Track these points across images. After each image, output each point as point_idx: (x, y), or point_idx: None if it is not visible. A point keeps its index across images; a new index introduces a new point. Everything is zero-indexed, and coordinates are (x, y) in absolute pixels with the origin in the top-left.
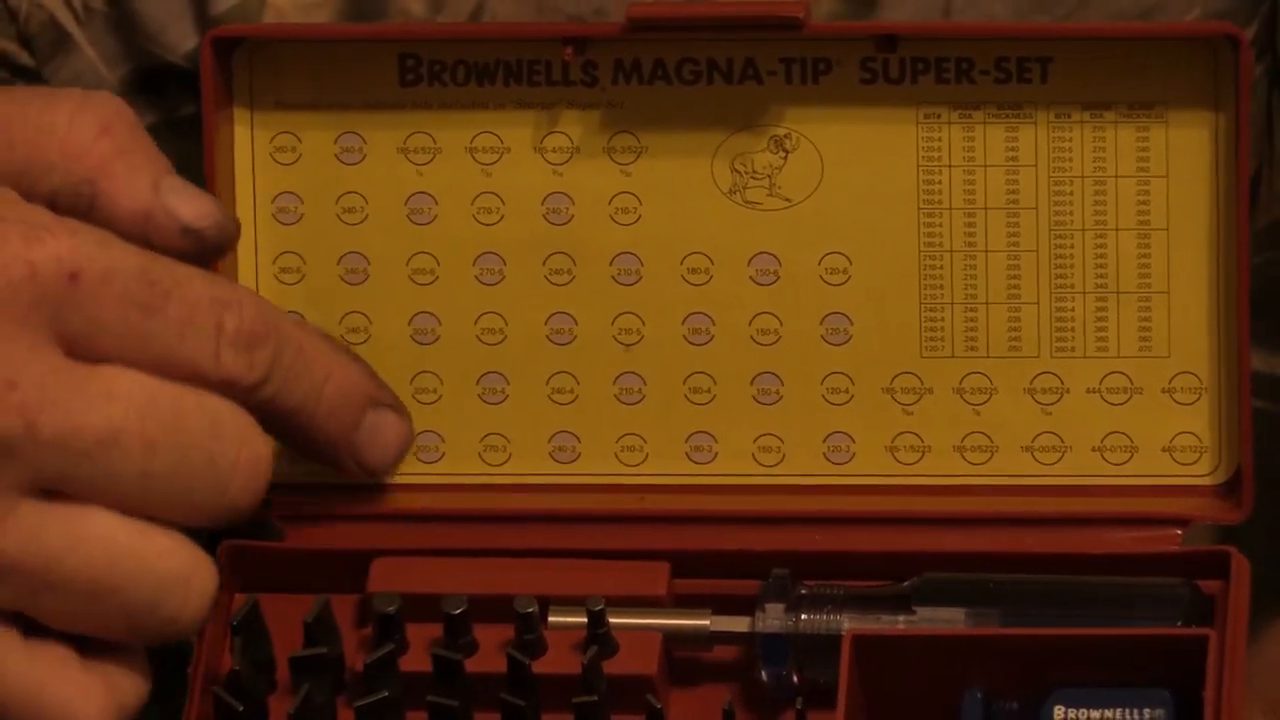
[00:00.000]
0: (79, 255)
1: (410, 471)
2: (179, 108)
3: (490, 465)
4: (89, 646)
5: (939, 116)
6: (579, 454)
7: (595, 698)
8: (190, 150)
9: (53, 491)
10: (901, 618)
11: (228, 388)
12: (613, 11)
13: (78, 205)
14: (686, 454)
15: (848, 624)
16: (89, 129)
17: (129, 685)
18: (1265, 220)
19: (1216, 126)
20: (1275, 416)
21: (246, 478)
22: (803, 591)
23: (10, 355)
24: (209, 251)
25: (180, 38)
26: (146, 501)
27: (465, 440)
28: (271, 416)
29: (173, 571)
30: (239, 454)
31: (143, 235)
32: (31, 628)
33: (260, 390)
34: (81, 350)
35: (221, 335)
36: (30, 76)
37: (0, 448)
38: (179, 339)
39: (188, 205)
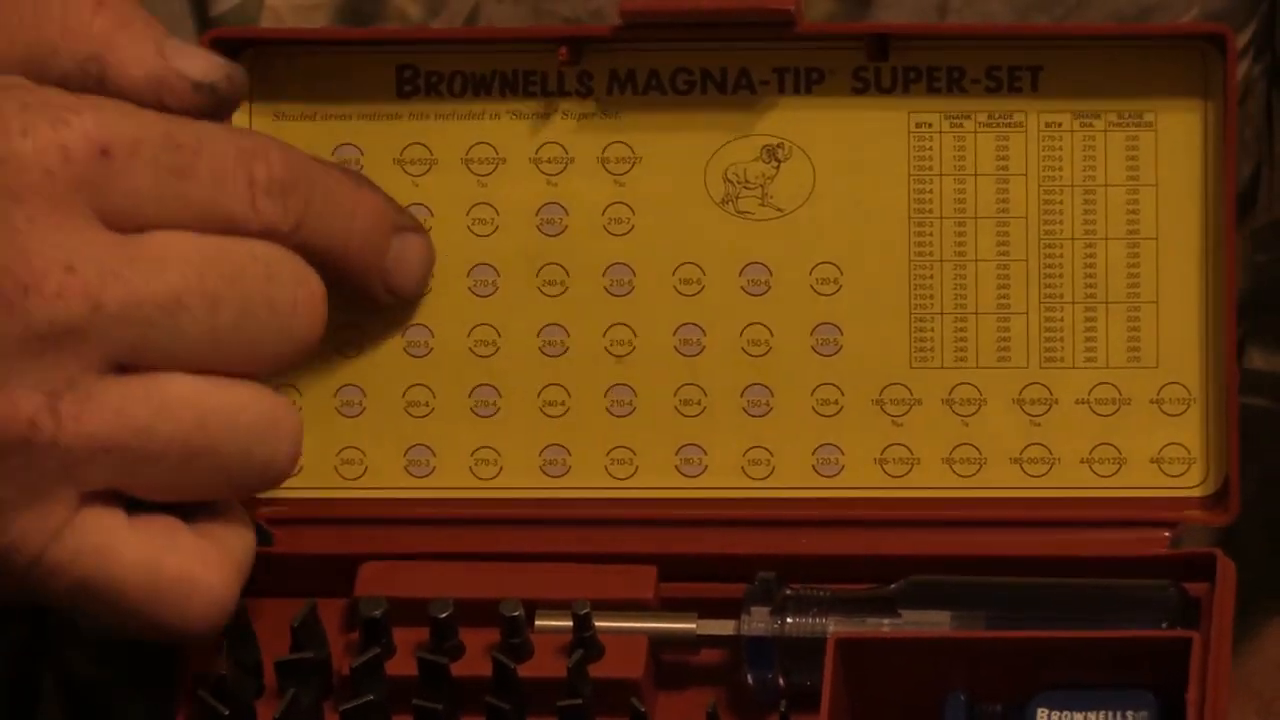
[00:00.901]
0: (106, 130)
1: (401, 485)
2: None
3: (481, 479)
4: (192, 513)
5: (930, 125)
6: (569, 467)
7: (580, 701)
8: None
9: (128, 366)
10: (886, 620)
11: (268, 236)
12: (609, 15)
13: (87, 83)
14: (676, 466)
15: (833, 627)
16: (85, 6)
17: (240, 542)
18: (1266, 219)
19: (1206, 132)
20: (1276, 415)
21: (307, 315)
22: (788, 594)
23: (62, 241)
24: (223, 104)
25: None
26: (219, 357)
27: (456, 454)
28: (307, 258)
29: (259, 419)
30: (296, 293)
31: (157, 100)
32: (134, 506)
33: (297, 233)
34: (125, 222)
35: (255, 185)
36: None
37: (72, 332)
38: (215, 195)
39: (195, 63)
